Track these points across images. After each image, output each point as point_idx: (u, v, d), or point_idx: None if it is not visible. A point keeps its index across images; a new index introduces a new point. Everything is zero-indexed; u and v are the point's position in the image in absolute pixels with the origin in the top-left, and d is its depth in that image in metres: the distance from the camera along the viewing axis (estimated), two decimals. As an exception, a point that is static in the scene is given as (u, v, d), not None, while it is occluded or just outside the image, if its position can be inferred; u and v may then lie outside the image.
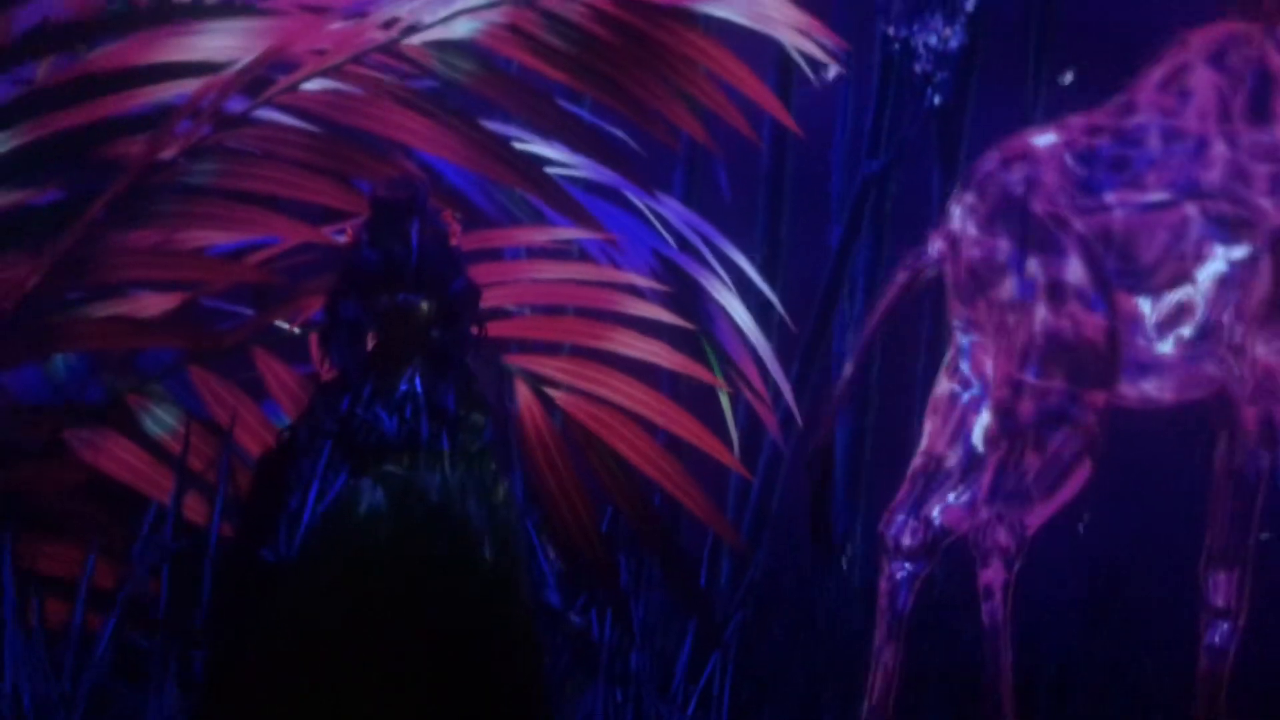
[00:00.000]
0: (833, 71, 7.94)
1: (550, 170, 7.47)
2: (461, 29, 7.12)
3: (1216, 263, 7.29)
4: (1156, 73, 7.43)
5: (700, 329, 7.79)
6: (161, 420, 6.89)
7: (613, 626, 7.45)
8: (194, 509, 6.51)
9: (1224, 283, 7.28)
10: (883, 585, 7.61)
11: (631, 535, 7.67)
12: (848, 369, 7.58)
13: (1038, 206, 7.34)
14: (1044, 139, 7.45)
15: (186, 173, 6.78)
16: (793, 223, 9.23)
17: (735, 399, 7.85)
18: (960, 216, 7.44)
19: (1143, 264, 7.29)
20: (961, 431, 7.51)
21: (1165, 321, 7.32)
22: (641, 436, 7.56)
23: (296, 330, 7.04)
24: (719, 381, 7.74)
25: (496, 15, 7.18)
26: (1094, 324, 7.27)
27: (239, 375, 6.98)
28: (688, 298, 7.82)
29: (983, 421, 7.49)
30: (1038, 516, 7.33)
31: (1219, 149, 7.33)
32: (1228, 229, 7.30)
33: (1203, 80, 7.38)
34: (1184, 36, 7.46)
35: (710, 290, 7.85)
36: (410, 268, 4.93)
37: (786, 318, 8.02)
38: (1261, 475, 7.36)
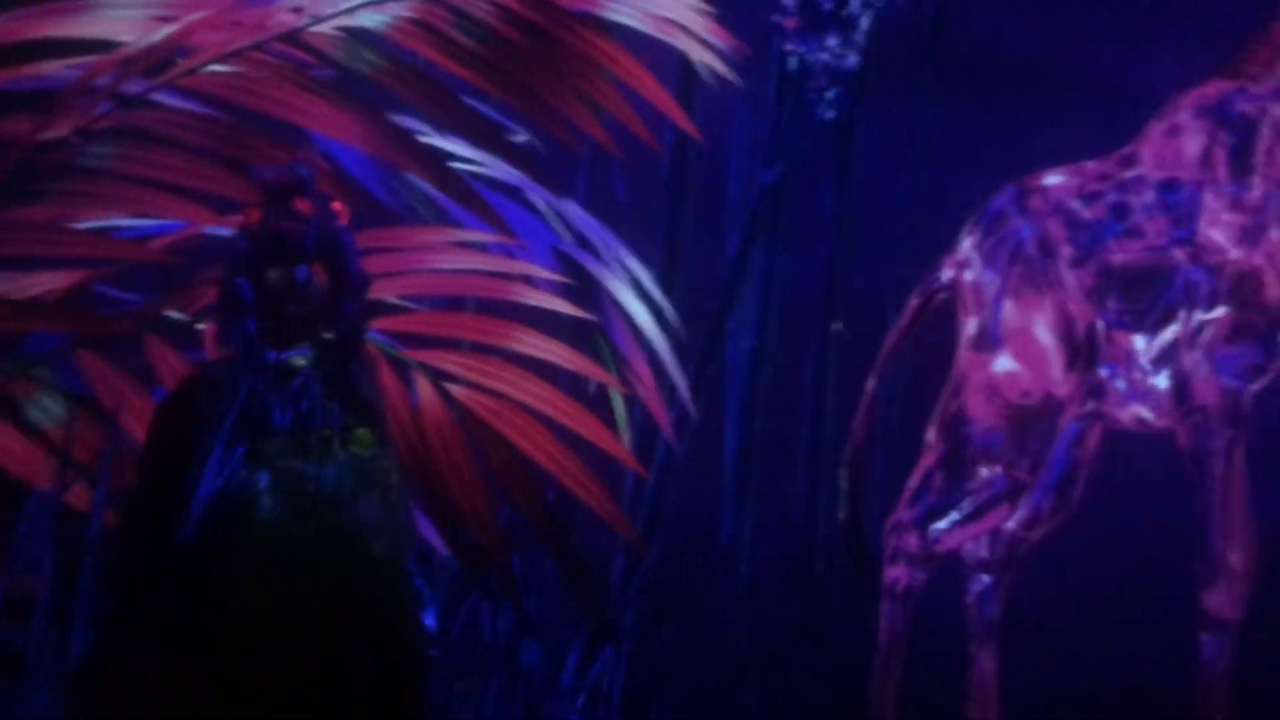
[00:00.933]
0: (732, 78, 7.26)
1: (455, 165, 6.66)
2: (368, 20, 6.52)
3: (1195, 300, 7.18)
4: (1157, 128, 7.36)
5: (598, 326, 6.99)
6: (47, 408, 6.00)
7: (506, 623, 6.72)
8: (81, 498, 5.73)
9: (1204, 323, 7.16)
10: (888, 589, 7.36)
11: (527, 531, 6.87)
12: (870, 384, 7.36)
13: (1032, 249, 7.25)
14: (1053, 180, 7.35)
15: (82, 153, 6.05)
16: (692, 229, 8.59)
17: (630, 399, 7.06)
18: (969, 246, 7.32)
19: (1138, 305, 7.19)
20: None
21: (1158, 358, 7.19)
22: (540, 432, 6.85)
23: (190, 318, 6.19)
24: (614, 381, 6.95)
25: (404, 9, 6.58)
26: (1050, 380, 7.16)
27: (129, 363, 6.19)
28: (586, 296, 7.03)
29: None
30: (951, 538, 7.19)
31: (1204, 199, 7.26)
32: (1207, 271, 7.19)
33: (1194, 136, 7.31)
34: (1180, 96, 7.43)
35: (608, 290, 7.05)
36: (300, 244, 4.47)
37: (679, 324, 7.24)
38: (1216, 479, 7.17)
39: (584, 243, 7.14)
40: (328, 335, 4.49)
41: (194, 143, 6.06)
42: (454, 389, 6.71)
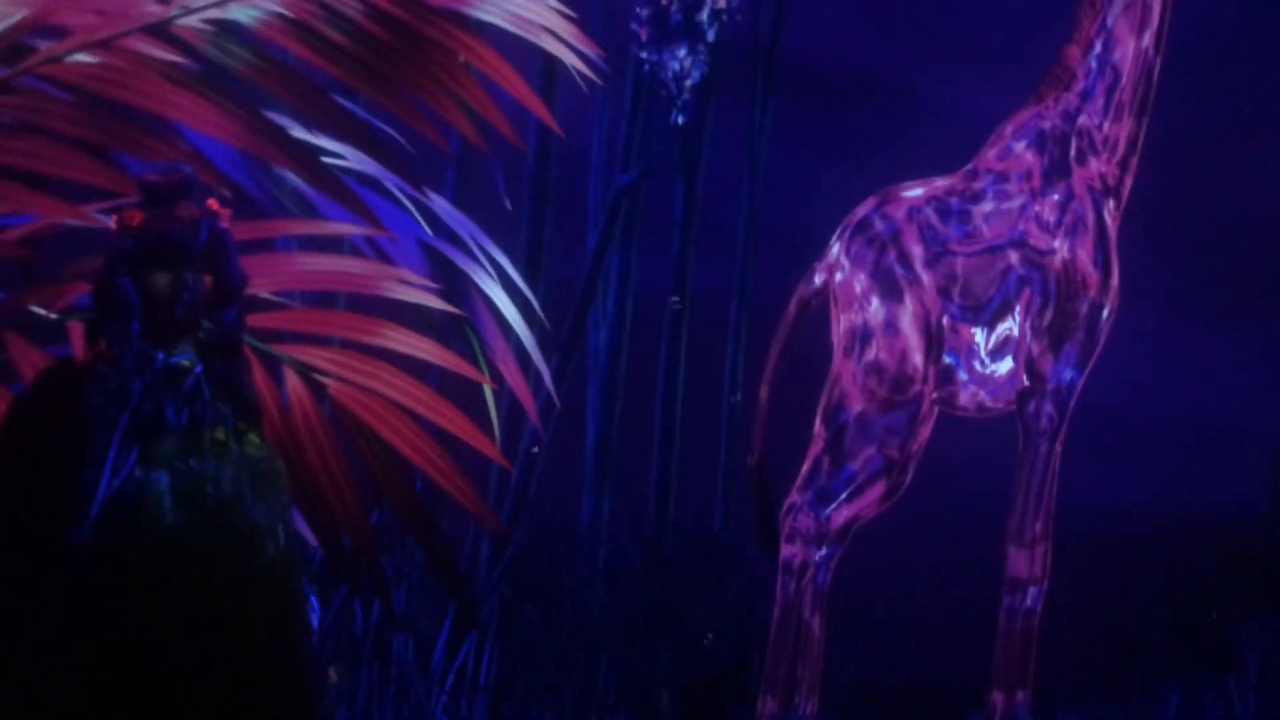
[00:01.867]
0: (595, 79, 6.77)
1: (324, 160, 5.96)
2: (238, 14, 5.83)
3: (1027, 296, 7.26)
4: (991, 147, 7.47)
5: (466, 320, 6.36)
6: (-94, 403, 5.09)
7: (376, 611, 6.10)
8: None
9: (1029, 311, 7.25)
10: (793, 565, 7.24)
11: (396, 522, 6.23)
12: (763, 392, 7.24)
13: (893, 253, 7.23)
14: (912, 192, 7.38)
15: (-62, 142, 5.13)
16: (555, 226, 8.09)
17: (498, 389, 6.45)
18: (838, 251, 7.29)
19: (978, 301, 7.23)
20: None
21: (996, 348, 7.26)
22: (408, 425, 6.22)
23: (54, 315, 5.41)
24: (483, 377, 6.34)
25: (274, 4, 5.90)
26: (913, 368, 7.16)
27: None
28: (453, 290, 6.42)
29: None
30: (838, 515, 7.10)
31: (1031, 205, 7.35)
32: (1035, 269, 7.29)
33: (1019, 152, 7.41)
34: (1008, 119, 7.56)
35: (476, 283, 6.41)
36: (185, 248, 4.07)
37: (543, 316, 6.67)
38: (1039, 459, 7.27)
39: (452, 237, 6.53)
40: (205, 334, 4.06)
41: (56, 129, 5.30)
42: (325, 383, 5.98)
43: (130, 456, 3.91)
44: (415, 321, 6.30)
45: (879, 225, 7.26)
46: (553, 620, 7.50)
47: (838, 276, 7.25)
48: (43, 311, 5.48)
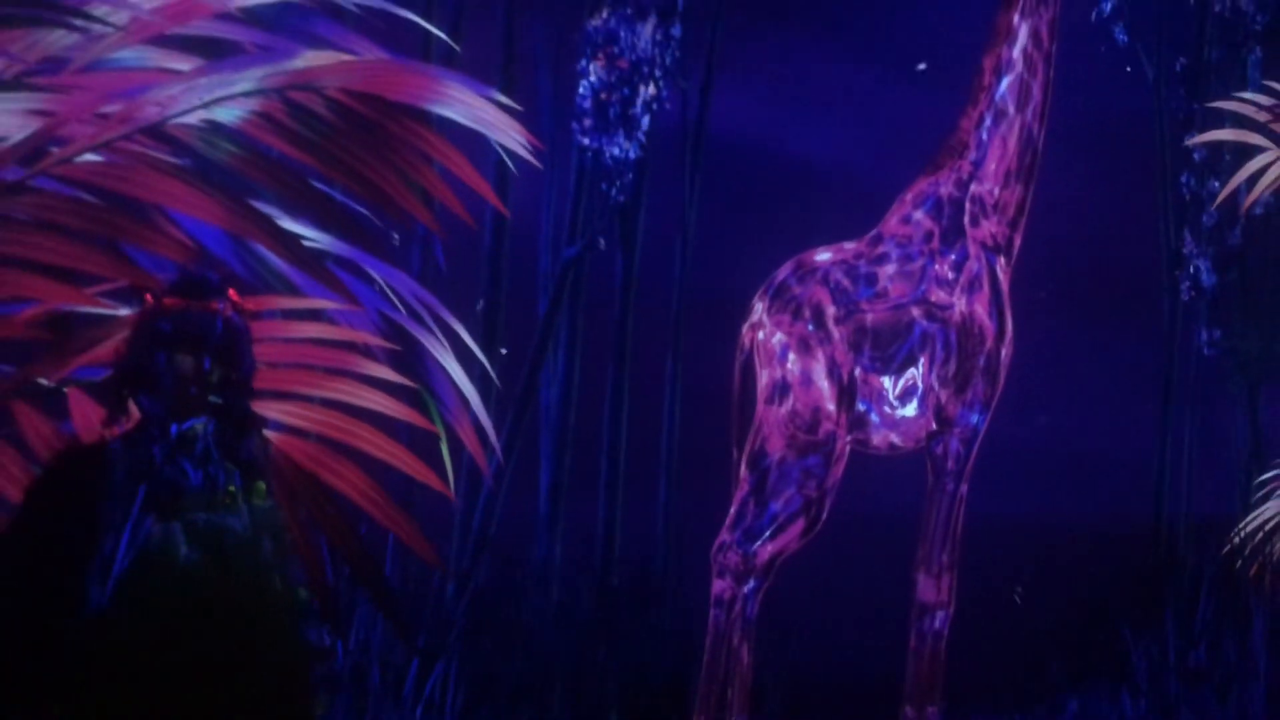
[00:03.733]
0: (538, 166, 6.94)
1: (303, 242, 6.09)
2: (223, 115, 5.84)
3: (930, 348, 7.45)
4: (894, 214, 7.67)
5: (423, 385, 6.51)
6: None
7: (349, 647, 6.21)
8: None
9: (934, 361, 7.44)
10: (725, 597, 7.34)
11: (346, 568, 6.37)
12: (735, 453, 7.30)
13: (808, 312, 7.36)
14: (823, 256, 7.51)
15: (-40, 238, 5.23)
16: (509, 295, 8.21)
17: (458, 447, 6.60)
18: (760, 311, 7.44)
19: (886, 353, 7.39)
20: None
21: (903, 393, 7.42)
22: (354, 472, 6.28)
23: (52, 385, 5.54)
24: (438, 428, 6.46)
25: (253, 104, 5.91)
26: (826, 415, 7.23)
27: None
28: (413, 357, 6.53)
29: None
30: (764, 551, 7.18)
31: (931, 265, 7.55)
32: (937, 323, 7.49)
33: (918, 218, 7.62)
34: (908, 188, 7.75)
35: (432, 351, 6.57)
36: (210, 335, 4.13)
37: (496, 378, 6.79)
38: (946, 496, 7.50)
39: (413, 311, 6.69)
40: (217, 403, 4.11)
41: (63, 224, 5.41)
42: (275, 436, 6.02)
43: (146, 523, 3.97)
44: (388, 389, 6.56)
45: (795, 288, 7.37)
46: (511, 650, 7.63)
47: (760, 335, 7.36)
48: (45, 382, 5.58)
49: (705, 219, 8.64)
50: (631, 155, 8.31)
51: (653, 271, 8.52)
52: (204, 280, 4.25)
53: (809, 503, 7.24)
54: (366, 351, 6.46)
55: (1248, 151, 10.42)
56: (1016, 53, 7.80)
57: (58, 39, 5.40)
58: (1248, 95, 10.71)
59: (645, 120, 8.35)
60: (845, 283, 7.43)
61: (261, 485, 4.19)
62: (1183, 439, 11.01)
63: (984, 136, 7.75)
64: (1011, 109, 7.79)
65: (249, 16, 5.91)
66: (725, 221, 8.57)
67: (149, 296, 4.25)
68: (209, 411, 4.10)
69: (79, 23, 5.39)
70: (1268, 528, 10.24)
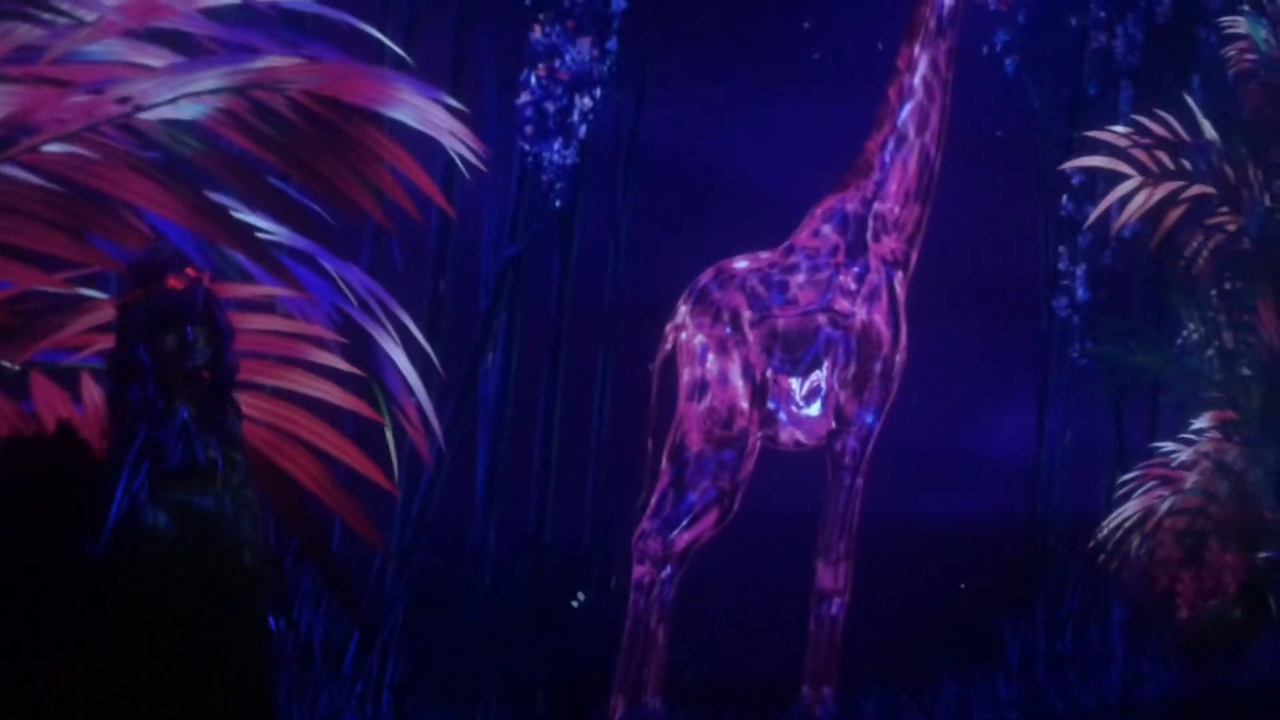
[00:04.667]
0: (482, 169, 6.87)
1: (258, 236, 5.93)
2: (187, 110, 5.74)
3: (834, 353, 7.60)
4: (805, 227, 7.87)
5: (371, 375, 6.40)
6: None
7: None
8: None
9: (836, 365, 7.60)
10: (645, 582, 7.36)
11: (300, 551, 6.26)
12: (649, 444, 7.35)
13: (726, 316, 7.50)
14: (741, 264, 7.68)
15: (-75, 221, 5.02)
16: (453, 291, 8.10)
17: (400, 434, 6.49)
18: (684, 313, 7.58)
19: (794, 356, 7.57)
20: None
21: (808, 394, 7.58)
22: (309, 459, 6.18)
23: (17, 368, 5.31)
24: (382, 419, 6.35)
25: (218, 101, 5.78)
26: (740, 413, 7.35)
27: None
28: (362, 347, 6.41)
29: None
30: (681, 539, 7.29)
31: (836, 276, 7.72)
32: (839, 329, 7.65)
33: (826, 232, 7.81)
34: (818, 204, 7.94)
35: (381, 342, 6.46)
36: (185, 310, 4.19)
37: (440, 369, 6.69)
38: (844, 490, 7.69)
39: (364, 303, 6.58)
40: (204, 373, 4.14)
41: (31, 211, 5.23)
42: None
43: (137, 482, 3.96)
44: (334, 376, 6.45)
45: (715, 293, 7.56)
46: (446, 629, 7.56)
47: (683, 335, 7.50)
48: (8, 364, 5.48)
49: (637, 224, 8.66)
50: (569, 162, 8.32)
51: (587, 272, 8.52)
52: (156, 261, 4.30)
53: (723, 494, 7.38)
54: (319, 342, 6.39)
55: (1119, 178, 10.68)
56: (917, 81, 7.98)
57: (27, 31, 5.22)
58: (1119, 128, 10.99)
59: (582, 129, 8.38)
60: (760, 289, 7.56)
61: (237, 456, 4.18)
62: (1056, 442, 11.26)
63: (887, 159, 7.95)
64: (912, 134, 7.97)
65: (212, 16, 5.77)
66: (655, 227, 8.61)
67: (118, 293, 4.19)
68: (196, 383, 4.03)
69: (47, 16, 5.21)
70: (1127, 525, 10.49)
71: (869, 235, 7.88)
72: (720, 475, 7.39)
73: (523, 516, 8.25)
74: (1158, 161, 10.46)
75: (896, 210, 7.95)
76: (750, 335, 7.52)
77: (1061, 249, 11.67)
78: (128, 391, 4.06)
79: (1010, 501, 10.83)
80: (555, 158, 8.27)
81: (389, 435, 6.74)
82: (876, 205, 7.95)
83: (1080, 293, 11.66)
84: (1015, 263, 11.56)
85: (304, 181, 6.27)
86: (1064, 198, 11.85)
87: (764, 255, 7.72)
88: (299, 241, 6.42)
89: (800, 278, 7.69)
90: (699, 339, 7.47)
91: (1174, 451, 10.74)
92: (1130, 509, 10.54)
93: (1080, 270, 11.77)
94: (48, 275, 5.21)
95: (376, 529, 7.12)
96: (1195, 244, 10.72)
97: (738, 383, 7.46)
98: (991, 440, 11.04)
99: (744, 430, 7.44)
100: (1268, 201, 10.50)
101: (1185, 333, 10.80)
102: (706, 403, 7.39)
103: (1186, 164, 10.46)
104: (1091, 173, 11.50)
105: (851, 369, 7.66)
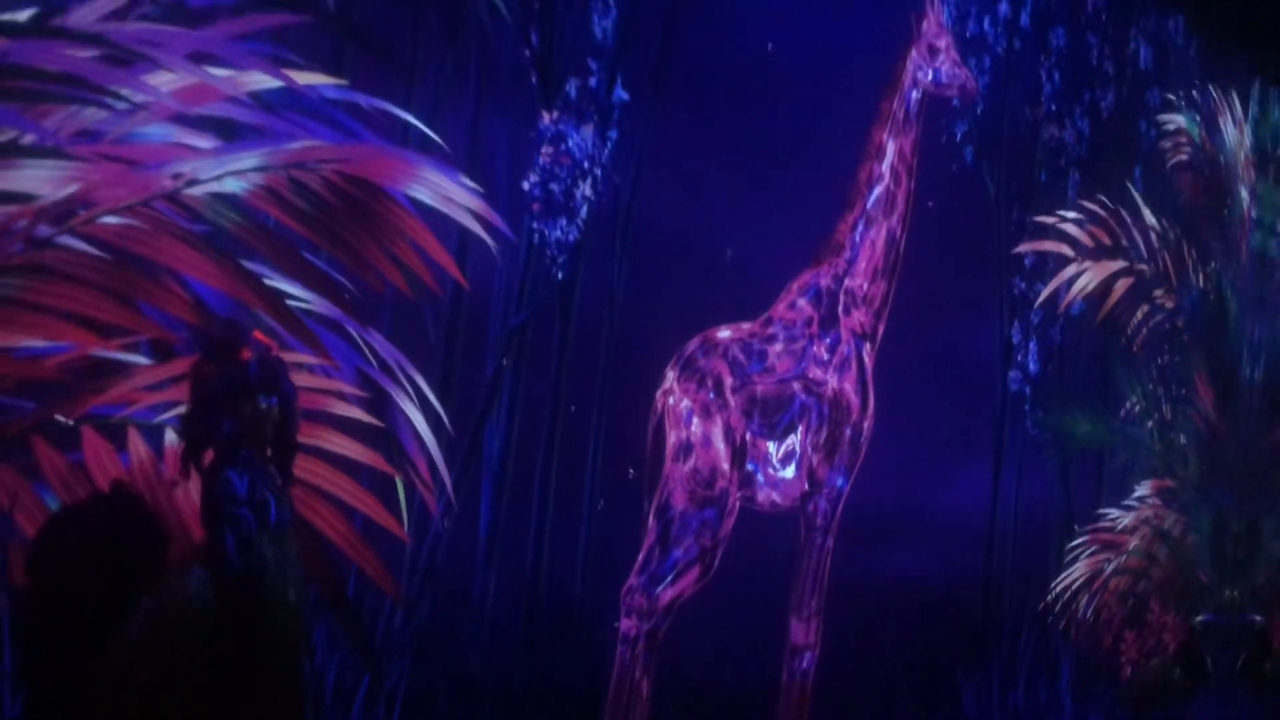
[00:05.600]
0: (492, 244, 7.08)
1: (290, 303, 6.12)
2: (231, 186, 5.89)
3: (807, 418, 7.69)
4: (782, 300, 8.08)
5: (389, 432, 6.55)
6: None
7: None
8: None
9: (809, 430, 7.70)
10: (631, 635, 7.39)
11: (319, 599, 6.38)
12: (647, 504, 7.45)
13: (710, 382, 7.64)
14: (724, 334, 7.83)
15: (-2, 284, 5.17)
16: (463, 356, 8.27)
17: (411, 488, 6.66)
18: (671, 379, 7.70)
19: (772, 421, 7.73)
20: None
21: (784, 457, 7.74)
22: (333, 513, 6.31)
23: (70, 423, 5.45)
24: (398, 474, 6.54)
25: (258, 178, 5.94)
26: (721, 474, 7.49)
27: (15, 461, 5.39)
28: (381, 406, 6.59)
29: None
30: (665, 594, 7.41)
31: (811, 346, 7.91)
32: (813, 396, 7.77)
33: (801, 305, 7.99)
34: (794, 279, 8.09)
35: (398, 402, 6.64)
36: (265, 379, 4.43)
37: (450, 428, 6.87)
38: (815, 549, 7.82)
39: (384, 365, 6.77)
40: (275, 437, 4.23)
41: (88, 279, 5.40)
42: None
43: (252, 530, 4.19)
44: (352, 430, 6.63)
45: (701, 360, 7.73)
46: (447, 671, 7.65)
47: (670, 400, 7.65)
48: (62, 419, 5.62)
49: (632, 295, 8.85)
50: (571, 238, 8.51)
51: (585, 340, 8.70)
52: (227, 337, 4.46)
53: (704, 551, 7.47)
54: (341, 399, 6.56)
55: (1067, 259, 11.00)
56: (885, 168, 8.26)
57: (92, 114, 5.43)
58: (1068, 213, 11.32)
59: (584, 209, 8.58)
60: (741, 357, 7.73)
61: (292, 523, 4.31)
62: (1009, 506, 11.50)
63: (857, 239, 8.17)
64: (880, 216, 8.20)
65: (257, 100, 5.99)
66: (649, 298, 8.80)
67: (194, 364, 4.34)
68: (269, 446, 4.20)
69: (109, 100, 5.41)
70: (1075, 586, 10.69)
71: (840, 309, 8.07)
72: (702, 533, 7.47)
73: (520, 566, 8.37)
74: (1101, 244, 10.78)
75: (865, 286, 8.15)
76: (732, 400, 7.65)
77: (1014, 325, 11.99)
78: (218, 454, 4.19)
79: (967, 561, 11.03)
80: (559, 234, 8.46)
81: (400, 489, 6.95)
82: (847, 281, 8.15)
83: (1031, 366, 11.97)
84: (972, 337, 11.85)
85: (333, 253, 6.49)
86: (1017, 277, 12.19)
87: (745, 326, 7.90)
88: (326, 308, 6.69)
89: (778, 347, 7.86)
90: (685, 403, 7.60)
91: (1118, 517, 10.98)
92: (1078, 571, 10.71)
93: (1032, 345, 12.09)
94: (103, 340, 5.39)
95: (392, 577, 7.29)
96: (1136, 321, 11.00)
97: (720, 445, 7.57)
98: (950, 503, 11.25)
99: (725, 490, 7.54)
100: (1201, 282, 10.85)
101: (1128, 404, 11.03)
102: (690, 464, 7.50)
103: (1128, 247, 10.80)
104: (1042, 254, 11.83)
105: (824, 434, 7.81)
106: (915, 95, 8.37)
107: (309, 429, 6.38)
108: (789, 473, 7.77)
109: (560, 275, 8.53)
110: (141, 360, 5.51)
